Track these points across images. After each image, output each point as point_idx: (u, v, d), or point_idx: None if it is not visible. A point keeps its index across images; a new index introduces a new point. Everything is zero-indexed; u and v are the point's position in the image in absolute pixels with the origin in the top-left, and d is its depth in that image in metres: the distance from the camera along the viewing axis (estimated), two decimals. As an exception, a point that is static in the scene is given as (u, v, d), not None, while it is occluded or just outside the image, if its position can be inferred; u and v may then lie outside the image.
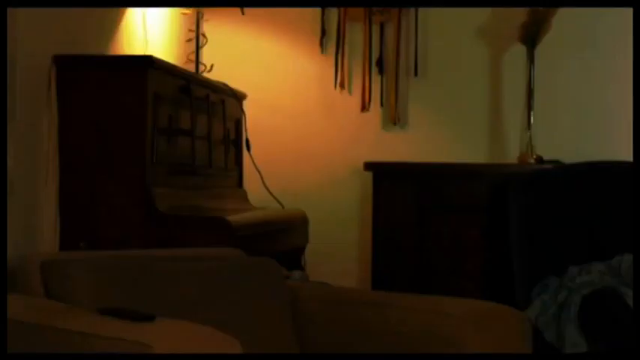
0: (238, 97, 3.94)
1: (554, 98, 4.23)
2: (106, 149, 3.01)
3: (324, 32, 4.44)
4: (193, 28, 4.14)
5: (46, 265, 2.33)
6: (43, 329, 2.10)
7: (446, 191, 3.86)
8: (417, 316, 2.65)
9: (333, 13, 4.44)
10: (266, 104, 4.42)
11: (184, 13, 4.17)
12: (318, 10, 4.44)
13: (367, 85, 4.38)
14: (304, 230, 3.97)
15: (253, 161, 3.96)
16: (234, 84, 3.91)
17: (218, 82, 3.74)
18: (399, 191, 3.90)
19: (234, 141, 3.96)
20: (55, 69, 2.97)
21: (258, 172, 3.93)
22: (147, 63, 3.07)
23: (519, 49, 4.10)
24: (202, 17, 4.17)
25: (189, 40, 4.17)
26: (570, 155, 3.99)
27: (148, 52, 3.73)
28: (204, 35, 4.17)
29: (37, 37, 2.92)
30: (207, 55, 4.20)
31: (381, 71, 4.40)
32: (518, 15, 4.01)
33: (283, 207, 3.99)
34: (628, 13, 4.05)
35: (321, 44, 4.44)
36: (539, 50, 4.04)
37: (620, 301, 3.00)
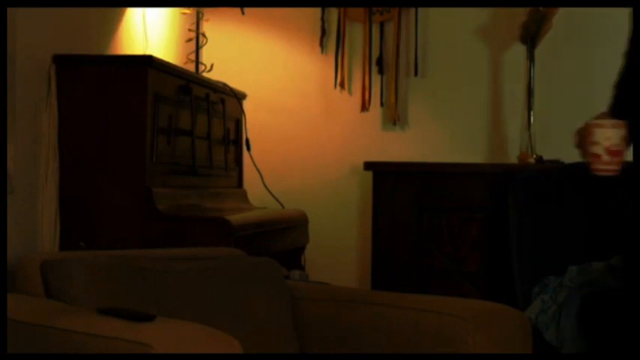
0: (238, 96, 3.94)
1: (555, 98, 4.23)
2: (106, 149, 3.01)
3: (324, 32, 4.44)
4: (193, 28, 4.15)
5: (46, 265, 2.33)
6: (43, 329, 2.10)
7: (446, 191, 3.86)
8: (416, 316, 2.65)
9: (333, 12, 4.45)
10: (266, 104, 4.42)
11: (184, 13, 4.17)
12: (318, 10, 4.44)
13: (367, 85, 4.39)
14: (304, 230, 3.97)
15: (253, 161, 3.96)
16: (234, 84, 3.91)
17: (218, 82, 3.74)
18: (399, 191, 3.90)
19: (234, 141, 3.96)
20: (55, 69, 2.97)
21: (258, 172, 3.93)
22: (147, 63, 3.07)
23: (519, 49, 4.10)
24: (202, 17, 4.18)
25: (189, 40, 4.17)
26: (570, 155, 3.98)
27: (148, 52, 3.73)
28: (204, 35, 4.17)
29: (37, 37, 2.92)
30: (207, 55, 4.20)
31: (381, 71, 4.40)
32: (518, 15, 4.01)
33: (283, 207, 3.99)
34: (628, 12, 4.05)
35: (321, 44, 4.45)
36: (539, 50, 4.04)
37: (620, 301, 3.00)
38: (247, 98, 4.09)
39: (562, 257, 3.42)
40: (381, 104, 4.40)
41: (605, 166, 2.10)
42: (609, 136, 2.07)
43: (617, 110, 2.40)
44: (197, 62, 4.12)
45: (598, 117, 2.19)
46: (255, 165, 3.95)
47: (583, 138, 2.13)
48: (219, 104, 3.71)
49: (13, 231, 2.69)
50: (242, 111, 4.00)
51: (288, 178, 4.38)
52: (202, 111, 3.51)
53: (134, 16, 3.70)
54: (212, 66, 4.17)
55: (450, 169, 3.94)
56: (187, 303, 2.41)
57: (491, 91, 4.32)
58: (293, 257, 3.81)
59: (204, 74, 4.02)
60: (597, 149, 2.10)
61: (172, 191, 3.17)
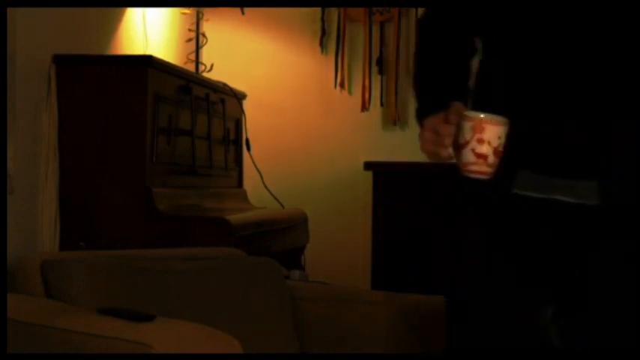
0: (238, 96, 3.94)
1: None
2: (106, 149, 3.01)
3: (324, 32, 4.44)
4: (193, 28, 4.15)
5: (46, 265, 2.33)
6: (43, 329, 2.10)
7: (446, 191, 3.86)
8: (416, 316, 2.65)
9: (333, 12, 4.45)
10: (266, 104, 4.42)
11: (184, 13, 4.17)
12: (318, 10, 4.44)
13: (367, 85, 4.39)
14: (304, 230, 3.97)
15: (253, 161, 3.96)
16: (234, 84, 3.91)
17: (218, 82, 3.74)
18: (399, 191, 3.90)
19: (234, 141, 3.96)
20: (55, 69, 2.97)
21: (258, 172, 3.93)
22: (147, 63, 3.07)
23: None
24: (202, 17, 4.18)
25: (189, 40, 4.17)
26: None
27: (148, 52, 3.74)
28: (204, 35, 4.17)
29: (37, 37, 2.92)
30: (207, 55, 4.20)
31: (381, 71, 4.40)
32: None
33: (283, 207, 3.99)
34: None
35: (321, 44, 4.45)
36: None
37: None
38: (247, 98, 4.09)
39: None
40: (381, 104, 4.40)
41: (488, 168, 1.79)
42: (500, 134, 1.76)
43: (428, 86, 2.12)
44: (197, 62, 4.12)
45: (456, 108, 1.80)
46: (255, 165, 3.95)
47: (466, 132, 1.77)
48: (219, 104, 3.71)
49: (13, 231, 2.70)
50: (242, 111, 4.00)
51: (288, 178, 4.38)
52: (202, 111, 3.51)
53: (134, 16, 3.71)
54: (212, 66, 4.17)
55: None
56: (187, 303, 2.41)
57: (491, 91, 4.32)
58: (293, 257, 3.81)
59: (204, 74, 4.03)
60: (485, 149, 1.77)
61: (172, 191, 3.17)
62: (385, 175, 3.93)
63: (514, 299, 1.90)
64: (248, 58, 4.48)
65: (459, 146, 1.79)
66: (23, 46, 2.82)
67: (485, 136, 1.76)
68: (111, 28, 3.52)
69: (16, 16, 2.76)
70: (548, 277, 1.86)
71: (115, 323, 2.03)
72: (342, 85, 4.41)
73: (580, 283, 1.80)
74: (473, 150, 1.77)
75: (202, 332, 2.00)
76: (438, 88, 1.97)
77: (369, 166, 3.96)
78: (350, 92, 4.43)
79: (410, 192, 3.88)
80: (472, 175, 1.80)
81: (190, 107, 3.37)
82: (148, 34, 3.84)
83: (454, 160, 1.85)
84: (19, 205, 2.79)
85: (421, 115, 1.91)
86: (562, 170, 1.82)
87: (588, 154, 1.79)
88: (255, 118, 4.15)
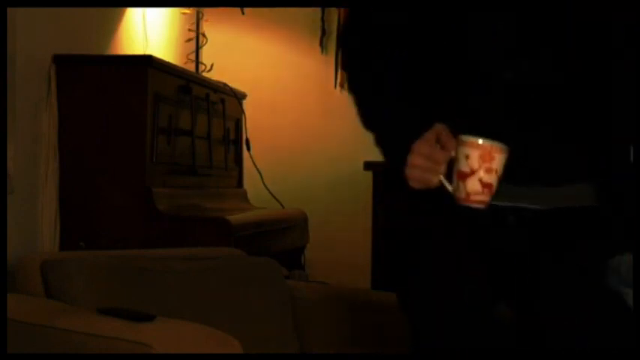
0: (238, 96, 3.94)
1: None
2: (106, 149, 3.01)
3: (324, 32, 4.44)
4: (193, 28, 4.15)
5: (46, 265, 2.32)
6: (43, 329, 2.10)
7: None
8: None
9: (333, 12, 4.45)
10: (266, 104, 4.42)
11: (184, 13, 4.17)
12: (318, 10, 4.44)
13: (367, 85, 4.38)
14: (304, 230, 3.97)
15: (253, 161, 3.96)
16: (234, 84, 3.91)
17: (218, 82, 3.74)
18: (399, 191, 3.89)
19: (234, 141, 3.96)
20: (55, 69, 2.98)
21: (258, 172, 3.93)
22: (147, 62, 3.07)
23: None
24: (202, 17, 4.18)
25: (189, 40, 4.17)
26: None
27: (148, 52, 3.74)
28: (204, 35, 4.17)
29: (37, 37, 2.92)
30: (207, 55, 4.20)
31: (381, 71, 4.40)
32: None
33: (283, 207, 3.99)
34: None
35: (321, 44, 4.45)
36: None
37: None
38: (247, 98, 4.09)
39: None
40: (381, 104, 4.40)
41: (489, 197, 1.69)
42: (504, 162, 1.65)
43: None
44: (197, 62, 4.12)
45: (445, 131, 1.70)
46: (255, 165, 3.95)
47: (473, 161, 1.66)
48: (219, 104, 3.71)
49: (13, 231, 2.70)
50: (242, 111, 4.00)
51: (288, 178, 4.38)
52: (202, 111, 3.51)
53: (134, 16, 3.71)
54: (212, 66, 4.17)
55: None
56: (187, 303, 2.41)
57: (491, 91, 4.32)
58: (293, 257, 3.81)
59: (204, 74, 4.03)
60: (492, 178, 1.66)
61: (172, 191, 3.18)
62: (385, 175, 3.93)
63: (484, 299, 1.86)
64: (248, 58, 4.48)
65: (462, 175, 1.70)
66: (23, 46, 2.82)
67: (494, 165, 1.65)
68: (111, 28, 3.52)
69: (16, 16, 2.76)
70: (524, 278, 1.82)
71: (115, 323, 2.03)
72: (342, 85, 4.41)
73: (556, 283, 1.76)
74: (480, 179, 1.67)
75: (202, 332, 2.00)
76: (409, 107, 1.85)
77: (369, 166, 3.96)
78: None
79: (410, 192, 3.87)
80: (473, 205, 1.72)
81: (190, 107, 3.37)
82: (148, 34, 3.84)
83: (448, 188, 1.77)
84: (19, 205, 2.79)
85: (395, 137, 1.82)
86: (552, 177, 1.79)
87: (588, 156, 1.78)
88: (255, 118, 4.15)
